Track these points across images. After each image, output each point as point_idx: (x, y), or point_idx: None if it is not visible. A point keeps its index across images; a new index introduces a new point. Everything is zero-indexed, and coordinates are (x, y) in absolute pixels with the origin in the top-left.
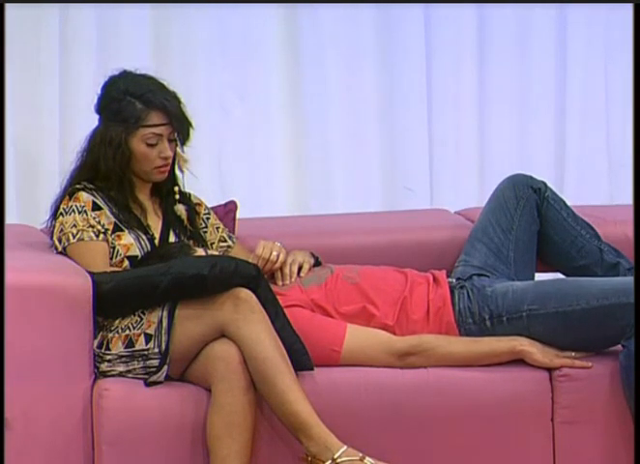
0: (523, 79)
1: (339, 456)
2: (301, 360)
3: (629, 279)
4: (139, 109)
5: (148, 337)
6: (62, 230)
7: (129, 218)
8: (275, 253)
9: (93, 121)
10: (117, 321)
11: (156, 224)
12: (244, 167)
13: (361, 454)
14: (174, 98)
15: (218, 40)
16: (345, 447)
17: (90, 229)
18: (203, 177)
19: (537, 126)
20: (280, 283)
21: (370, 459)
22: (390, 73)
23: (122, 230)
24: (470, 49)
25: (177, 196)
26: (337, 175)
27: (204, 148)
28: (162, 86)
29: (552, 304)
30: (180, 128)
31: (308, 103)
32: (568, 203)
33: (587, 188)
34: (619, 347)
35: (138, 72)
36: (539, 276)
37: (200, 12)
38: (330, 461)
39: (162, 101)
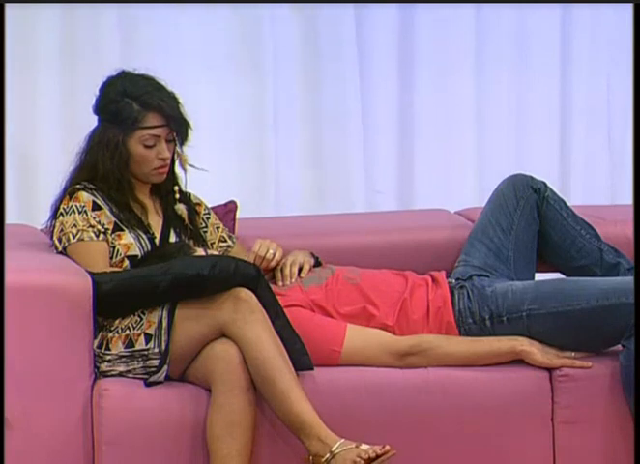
0: (524, 79)
1: (337, 448)
2: (301, 360)
3: (629, 279)
4: (136, 111)
5: (148, 337)
6: (62, 230)
7: (129, 218)
8: (271, 251)
9: (93, 121)
10: (117, 321)
11: (156, 224)
12: (241, 168)
13: (356, 443)
14: (172, 98)
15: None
16: (342, 439)
17: (90, 229)
18: (204, 177)
19: (537, 125)
20: (281, 284)
21: (365, 445)
22: (391, 74)
23: (122, 230)
24: (470, 47)
25: (177, 196)
26: (346, 176)
27: (205, 148)
28: (161, 87)
29: (552, 303)
30: (178, 129)
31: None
32: (569, 203)
33: (588, 188)
34: (619, 347)
35: (137, 72)
36: (539, 276)
37: (212, 11)
38: (328, 454)
39: (159, 103)
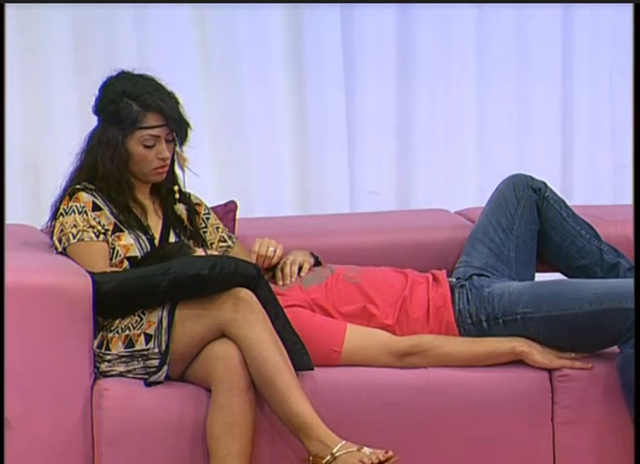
0: (525, 79)
1: (338, 450)
2: (301, 360)
3: (626, 282)
4: (136, 111)
5: (148, 337)
6: (62, 230)
7: (129, 219)
8: (271, 249)
9: (94, 121)
10: (117, 321)
11: (156, 224)
12: (242, 167)
13: (358, 446)
14: (171, 98)
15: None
16: (343, 441)
17: (90, 229)
18: (203, 177)
19: (538, 125)
20: (281, 283)
21: (368, 449)
22: (391, 74)
23: (122, 231)
24: (470, 47)
25: (177, 196)
26: (346, 177)
27: (205, 147)
28: (160, 87)
29: (545, 307)
30: (177, 129)
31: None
32: (572, 204)
33: (591, 188)
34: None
35: (136, 72)
36: (540, 277)
37: (208, 12)
38: (329, 456)
39: (159, 103)
